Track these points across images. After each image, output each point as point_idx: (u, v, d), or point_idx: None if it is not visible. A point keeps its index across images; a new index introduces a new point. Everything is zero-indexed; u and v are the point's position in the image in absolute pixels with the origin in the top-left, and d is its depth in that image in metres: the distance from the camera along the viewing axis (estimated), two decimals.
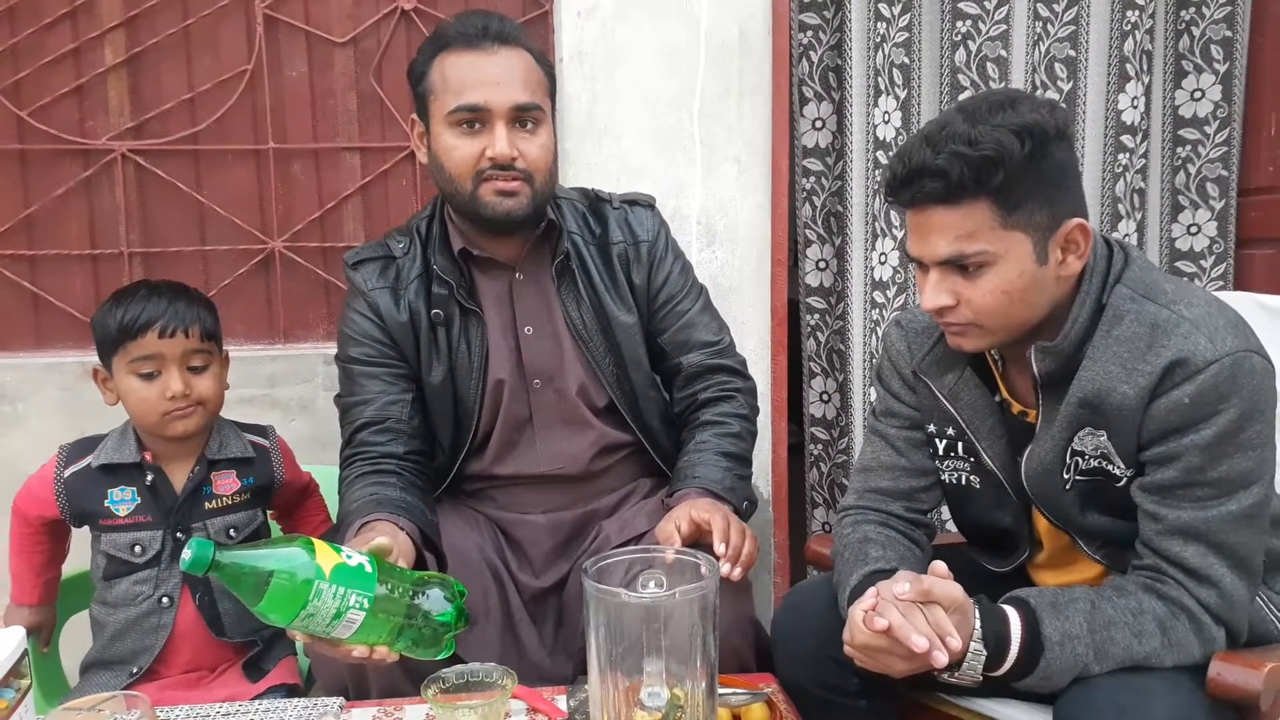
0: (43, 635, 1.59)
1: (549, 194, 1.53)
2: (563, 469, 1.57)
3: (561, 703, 1.30)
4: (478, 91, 1.42)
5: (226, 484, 1.54)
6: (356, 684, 1.37)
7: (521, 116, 1.45)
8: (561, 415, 1.56)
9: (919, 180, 1.13)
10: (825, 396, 2.25)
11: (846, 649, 1.17)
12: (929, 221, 1.15)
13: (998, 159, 1.09)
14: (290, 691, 1.51)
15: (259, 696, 1.46)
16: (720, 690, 1.16)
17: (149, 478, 1.50)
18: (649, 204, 1.65)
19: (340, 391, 1.58)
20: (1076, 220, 1.15)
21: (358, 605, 1.11)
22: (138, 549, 1.49)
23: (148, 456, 1.51)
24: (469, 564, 1.47)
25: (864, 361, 2.17)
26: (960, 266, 1.15)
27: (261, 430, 1.64)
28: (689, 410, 1.62)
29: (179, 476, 1.52)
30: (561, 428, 1.56)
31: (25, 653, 1.21)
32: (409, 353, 1.54)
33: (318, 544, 1.12)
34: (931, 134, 1.12)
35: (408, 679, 1.34)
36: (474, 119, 1.44)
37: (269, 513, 1.66)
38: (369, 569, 1.13)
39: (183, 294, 1.51)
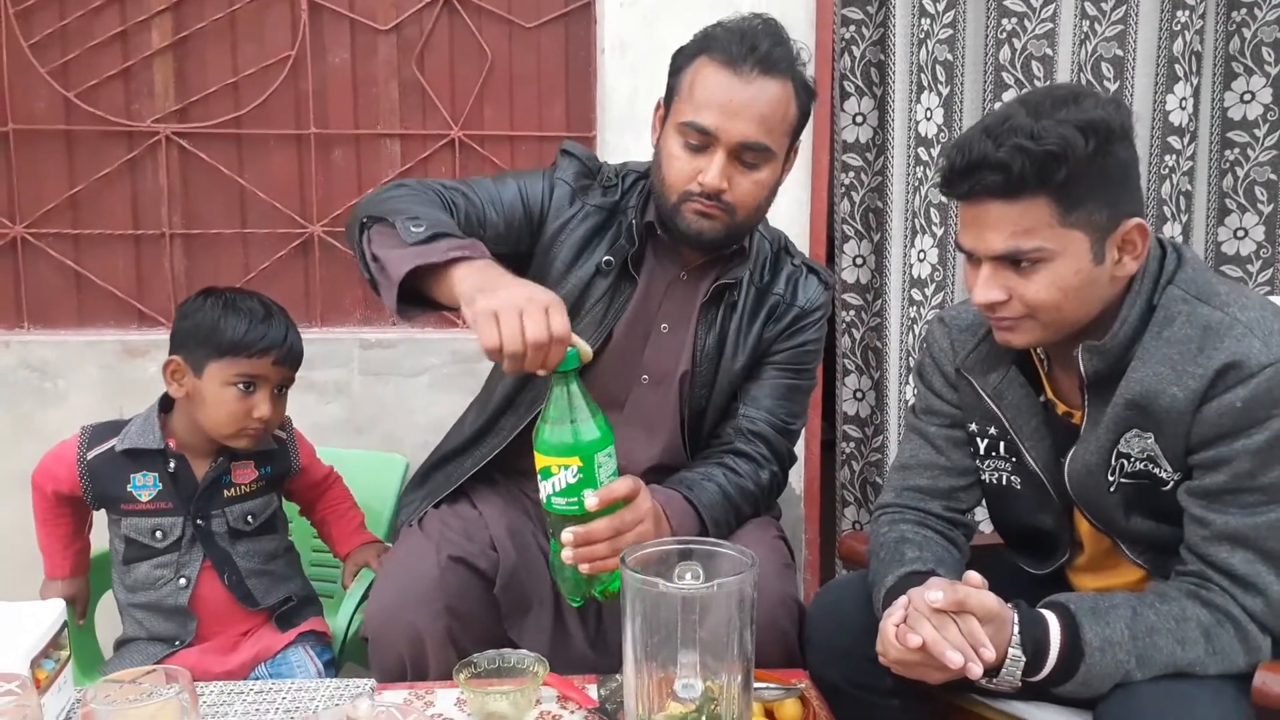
0: (77, 608, 1.61)
1: (749, 229, 1.48)
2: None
3: (592, 691, 1.30)
4: (712, 115, 1.36)
5: (245, 474, 1.55)
6: (415, 665, 1.36)
7: (745, 155, 1.39)
8: (644, 420, 1.52)
9: (978, 173, 1.10)
10: (859, 394, 2.23)
11: (881, 660, 1.16)
12: (985, 216, 1.13)
13: (1061, 155, 1.07)
14: (319, 639, 1.54)
15: (287, 647, 1.51)
16: (754, 685, 1.16)
17: (171, 465, 1.51)
18: (827, 282, 1.60)
19: (476, 178, 1.51)
20: (1135, 220, 1.13)
21: (612, 473, 1.22)
22: (159, 534, 1.50)
23: (171, 444, 1.52)
24: (525, 550, 1.45)
25: (901, 359, 2.15)
26: (1014, 262, 1.13)
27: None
28: (717, 447, 1.55)
29: (200, 466, 1.53)
30: (639, 431, 1.52)
31: (64, 624, 1.23)
32: (540, 252, 1.49)
33: None
34: (992, 126, 1.10)
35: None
36: (700, 141, 1.38)
37: (283, 498, 1.66)
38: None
39: (289, 323, 1.53)
